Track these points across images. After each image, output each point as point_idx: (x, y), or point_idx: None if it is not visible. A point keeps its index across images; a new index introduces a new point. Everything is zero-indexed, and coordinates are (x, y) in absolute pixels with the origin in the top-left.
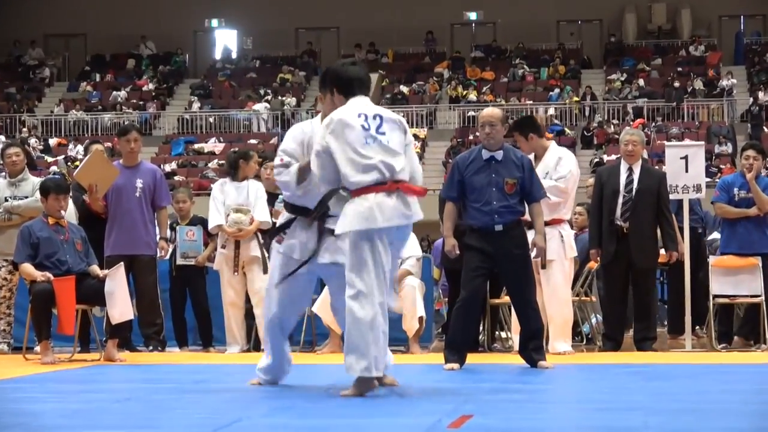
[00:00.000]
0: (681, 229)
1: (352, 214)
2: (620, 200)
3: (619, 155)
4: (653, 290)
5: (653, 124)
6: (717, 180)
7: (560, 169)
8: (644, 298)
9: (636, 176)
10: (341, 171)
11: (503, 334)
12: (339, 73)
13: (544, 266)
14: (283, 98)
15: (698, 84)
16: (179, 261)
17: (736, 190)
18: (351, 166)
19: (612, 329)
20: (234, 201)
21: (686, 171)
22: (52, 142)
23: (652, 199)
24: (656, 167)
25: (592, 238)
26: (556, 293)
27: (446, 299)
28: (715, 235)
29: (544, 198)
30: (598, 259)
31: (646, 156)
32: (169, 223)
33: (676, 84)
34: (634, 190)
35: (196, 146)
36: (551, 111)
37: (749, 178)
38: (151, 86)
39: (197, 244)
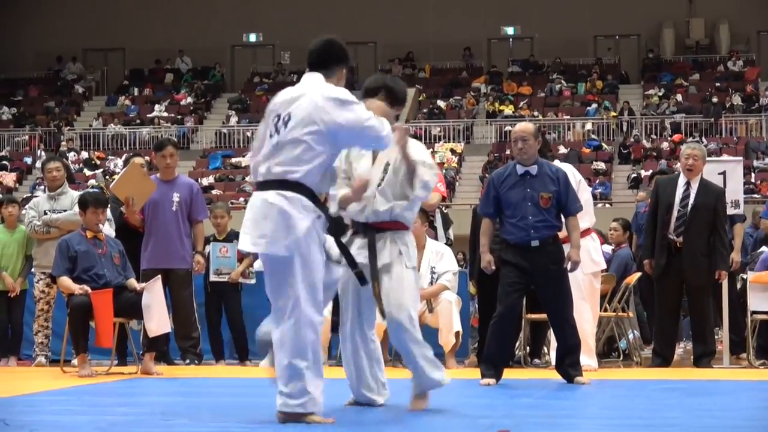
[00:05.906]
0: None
1: None
2: (674, 214)
3: (653, 170)
4: (708, 307)
5: (691, 139)
6: (755, 196)
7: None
8: (700, 315)
9: (693, 191)
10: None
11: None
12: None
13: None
14: None
15: (736, 99)
16: (212, 277)
17: None
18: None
19: (661, 345)
20: None
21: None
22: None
23: (708, 216)
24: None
25: (646, 248)
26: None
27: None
28: None
29: (581, 211)
30: (650, 269)
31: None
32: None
33: (714, 99)
34: (689, 206)
35: (233, 160)
36: (588, 126)
37: None
38: (188, 100)
39: (230, 261)
